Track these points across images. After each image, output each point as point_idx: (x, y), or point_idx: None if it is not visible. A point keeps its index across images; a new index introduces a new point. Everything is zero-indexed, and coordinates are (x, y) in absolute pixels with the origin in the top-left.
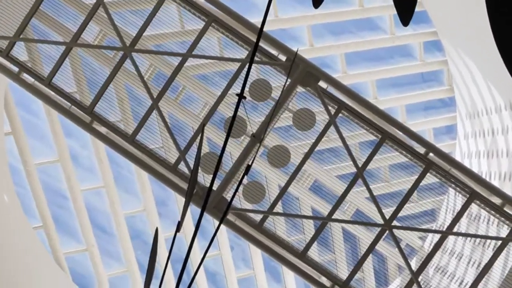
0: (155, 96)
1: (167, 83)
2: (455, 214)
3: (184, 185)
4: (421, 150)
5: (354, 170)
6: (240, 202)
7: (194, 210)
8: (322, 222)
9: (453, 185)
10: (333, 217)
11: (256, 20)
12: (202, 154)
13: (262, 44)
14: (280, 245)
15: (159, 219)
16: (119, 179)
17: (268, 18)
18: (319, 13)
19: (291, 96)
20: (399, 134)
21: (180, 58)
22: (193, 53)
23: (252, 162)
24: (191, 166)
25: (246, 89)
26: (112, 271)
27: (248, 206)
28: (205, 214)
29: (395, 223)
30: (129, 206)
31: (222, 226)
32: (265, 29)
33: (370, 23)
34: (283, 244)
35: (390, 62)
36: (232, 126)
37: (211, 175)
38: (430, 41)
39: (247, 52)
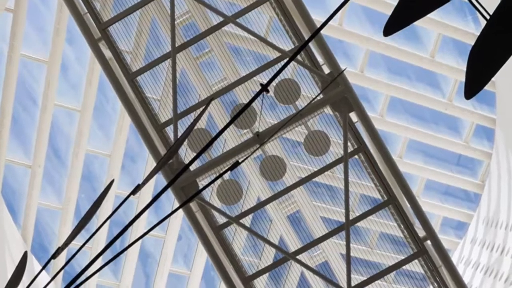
0: (176, 45)
1: (195, 37)
2: None
3: (162, 150)
4: (421, 232)
5: (342, 219)
6: (211, 195)
7: (159, 181)
8: (284, 257)
9: (435, 285)
10: (298, 257)
11: (318, 18)
12: (195, 128)
13: (311, 45)
14: (230, 259)
15: (120, 172)
16: (99, 112)
17: (330, 22)
18: (385, 42)
19: (316, 113)
20: (406, 205)
21: (220, 19)
22: (237, 20)
23: (243, 161)
24: (179, 133)
25: (273, 83)
26: (46, 201)
27: (217, 203)
28: (169, 191)
29: None
30: (96, 144)
31: (180, 212)
32: (322, 32)
33: (432, 77)
34: (233, 259)
35: (432, 127)
36: (239, 114)
37: (195, 153)
38: (484, 126)
39: (292, 47)
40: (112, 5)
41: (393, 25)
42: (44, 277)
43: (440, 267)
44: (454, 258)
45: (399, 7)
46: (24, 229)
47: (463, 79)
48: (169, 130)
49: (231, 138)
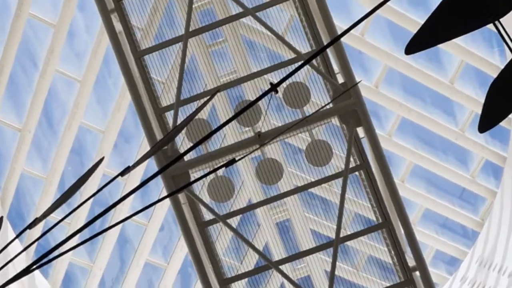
0: (191, 29)
1: (211, 24)
2: None
3: (159, 135)
4: (411, 262)
5: (332, 235)
6: (201, 190)
7: (150, 166)
8: (266, 265)
9: None
10: (281, 267)
11: (340, 24)
12: (196, 118)
13: (329, 52)
14: (211, 258)
15: (112, 150)
16: (100, 85)
17: (352, 31)
18: (405, 60)
19: (322, 122)
20: (400, 232)
21: (240, 10)
22: (257, 13)
23: (239, 160)
24: (179, 120)
25: (283, 84)
26: (31, 168)
27: (206, 198)
28: (158, 178)
29: None
30: (91, 118)
31: (166, 201)
32: (342, 39)
33: (447, 104)
34: (214, 259)
35: (440, 156)
36: (243, 111)
37: (191, 143)
38: (494, 163)
39: (309, 50)
40: None
41: (416, 44)
42: (17, 246)
43: None
44: None
45: (425, 27)
46: (4, 193)
47: (480, 111)
48: (169, 115)
49: (231, 134)
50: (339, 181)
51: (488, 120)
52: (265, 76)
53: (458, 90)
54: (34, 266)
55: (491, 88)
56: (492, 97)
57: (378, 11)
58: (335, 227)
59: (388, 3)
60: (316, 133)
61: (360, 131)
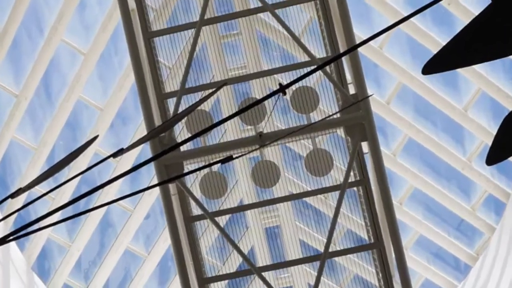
0: (206, 17)
1: (227, 15)
2: None
3: (158, 121)
4: (397, 287)
5: (321, 248)
6: (193, 183)
7: (144, 151)
8: (249, 269)
9: None
10: (264, 273)
11: (359, 34)
12: (198, 108)
13: (344, 60)
14: (193, 254)
15: (107, 129)
16: (104, 62)
17: (371, 42)
18: (421, 80)
19: (327, 131)
20: (391, 255)
21: (259, 4)
22: (276, 11)
23: (237, 158)
24: (180, 109)
25: (293, 87)
26: (22, 136)
27: (197, 193)
28: (151, 165)
29: None
30: (91, 94)
31: (156, 190)
32: (359, 49)
33: (458, 131)
34: (196, 256)
35: (443, 183)
36: (247, 109)
37: (190, 134)
38: (497, 198)
39: (324, 55)
40: None
41: (435, 65)
42: None
43: None
44: None
45: (445, 49)
46: None
47: (490, 142)
48: (171, 102)
49: (232, 130)
50: (336, 194)
51: (497, 154)
52: (275, 75)
53: (471, 118)
54: (11, 237)
55: (505, 121)
56: (504, 131)
57: (400, 26)
58: (325, 240)
59: (412, 19)
60: (319, 142)
61: (365, 146)
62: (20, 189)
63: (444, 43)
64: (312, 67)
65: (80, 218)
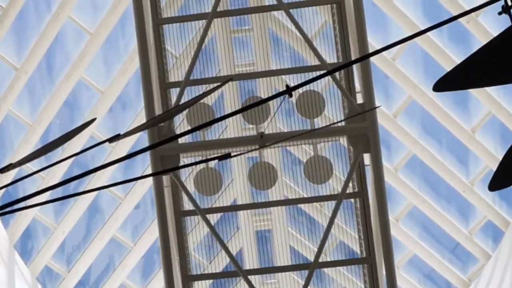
0: (218, 9)
1: (240, 10)
2: None
3: (158, 110)
4: None
5: (311, 257)
6: (188, 177)
7: (141, 139)
8: (235, 271)
9: None
10: (250, 276)
11: (374, 43)
12: (201, 101)
13: (355, 68)
14: (180, 250)
15: (106, 113)
16: (110, 44)
17: (384, 53)
18: (431, 96)
19: (330, 138)
20: (382, 272)
21: (273, 2)
22: (290, 10)
23: (235, 156)
24: (183, 100)
25: (299, 90)
26: (18, 110)
27: (190, 187)
28: (147, 154)
29: None
30: (93, 75)
31: (149, 180)
32: (371, 58)
33: (463, 152)
34: (183, 252)
35: (442, 204)
36: (250, 107)
37: (190, 127)
38: (496, 225)
39: (335, 61)
40: None
41: (447, 83)
42: None
43: None
44: None
45: (459, 68)
46: None
47: (495, 167)
48: (174, 92)
49: (233, 127)
50: (332, 203)
51: (501, 180)
52: (282, 76)
53: (477, 141)
54: None
55: None
56: (510, 157)
57: (416, 39)
58: (316, 249)
59: (429, 33)
60: (320, 149)
61: (366, 158)
62: (10, 164)
63: (458, 62)
64: (322, 72)
65: (68, 200)
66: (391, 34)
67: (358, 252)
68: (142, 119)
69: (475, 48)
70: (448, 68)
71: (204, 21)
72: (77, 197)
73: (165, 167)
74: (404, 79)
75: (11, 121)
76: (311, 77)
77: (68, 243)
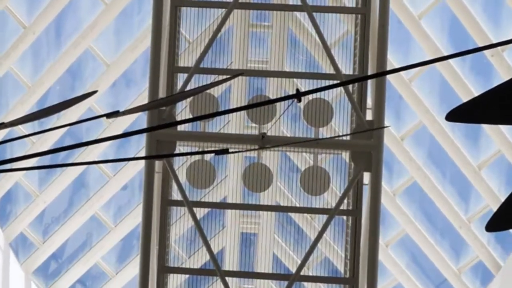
0: (240, 1)
1: (262, 5)
2: None
3: (162, 93)
4: None
5: (293, 269)
6: (181, 167)
7: (139, 119)
8: (213, 270)
9: None
10: (227, 278)
11: (393, 60)
12: (207, 92)
13: (369, 83)
14: (160, 239)
15: (108, 87)
16: (125, 18)
17: (402, 73)
18: (442, 125)
19: (332, 151)
20: None
21: (298, 2)
22: (313, 13)
23: (233, 153)
24: (189, 87)
25: (309, 96)
26: (18, 69)
27: (182, 177)
28: (143, 136)
29: None
30: (102, 47)
31: (141, 163)
32: (387, 76)
33: (466, 187)
34: (163, 241)
35: (436, 237)
36: (255, 106)
37: (192, 115)
38: (486, 267)
39: (351, 73)
40: None
41: (460, 114)
42: None
43: None
44: None
45: (474, 102)
46: None
47: (495, 208)
48: (181, 77)
49: (236, 123)
50: (324, 217)
51: (499, 222)
52: (294, 79)
53: (482, 178)
54: None
55: None
56: None
57: (436, 64)
58: (299, 261)
59: (451, 61)
60: (321, 160)
61: (366, 177)
62: (2, 123)
63: (476, 94)
64: (335, 82)
65: (55, 170)
66: (412, 55)
67: (342, 271)
68: (144, 99)
69: (495, 83)
70: (464, 98)
71: (223, 10)
72: (64, 168)
73: (160, 152)
74: (417, 102)
75: (10, 80)
76: (323, 85)
77: (48, 213)
